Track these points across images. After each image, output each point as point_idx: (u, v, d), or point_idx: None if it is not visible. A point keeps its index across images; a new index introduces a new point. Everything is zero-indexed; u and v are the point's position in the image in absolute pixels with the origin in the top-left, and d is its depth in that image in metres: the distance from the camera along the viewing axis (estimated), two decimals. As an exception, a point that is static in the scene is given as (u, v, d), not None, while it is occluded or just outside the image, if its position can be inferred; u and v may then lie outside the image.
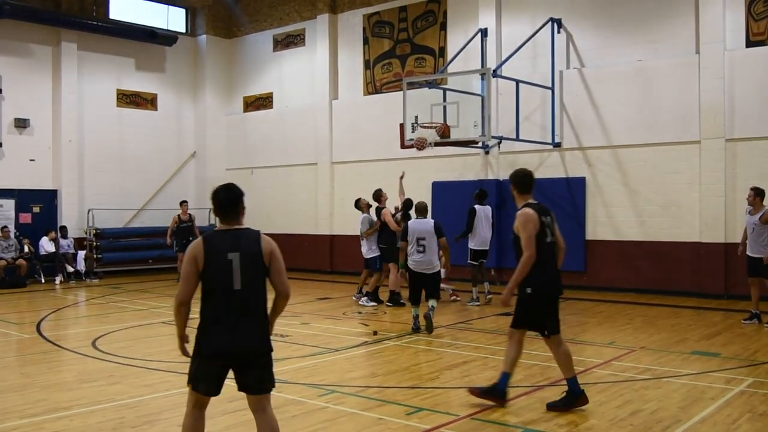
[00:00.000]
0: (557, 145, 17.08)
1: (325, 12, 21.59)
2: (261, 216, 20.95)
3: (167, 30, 23.53)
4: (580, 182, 16.82)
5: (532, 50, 17.33)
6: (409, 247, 11.22)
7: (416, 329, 11.20)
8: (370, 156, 20.45)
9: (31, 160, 20.58)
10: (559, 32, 17.19)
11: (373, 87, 20.85)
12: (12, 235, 19.14)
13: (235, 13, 24.11)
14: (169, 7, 23.95)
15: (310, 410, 6.84)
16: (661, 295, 15.30)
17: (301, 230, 21.87)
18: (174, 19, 24.17)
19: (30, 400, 7.31)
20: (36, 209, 20.68)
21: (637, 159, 16.13)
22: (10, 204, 19.99)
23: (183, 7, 24.31)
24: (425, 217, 11.50)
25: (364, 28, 21.02)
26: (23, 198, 20.36)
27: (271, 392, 4.92)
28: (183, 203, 19.50)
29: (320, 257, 21.41)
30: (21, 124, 20.23)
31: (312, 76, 22.18)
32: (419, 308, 11.23)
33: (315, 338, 10.85)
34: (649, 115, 15.99)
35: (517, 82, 16.22)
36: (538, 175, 17.05)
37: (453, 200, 17.84)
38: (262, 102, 23.76)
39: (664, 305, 14.20)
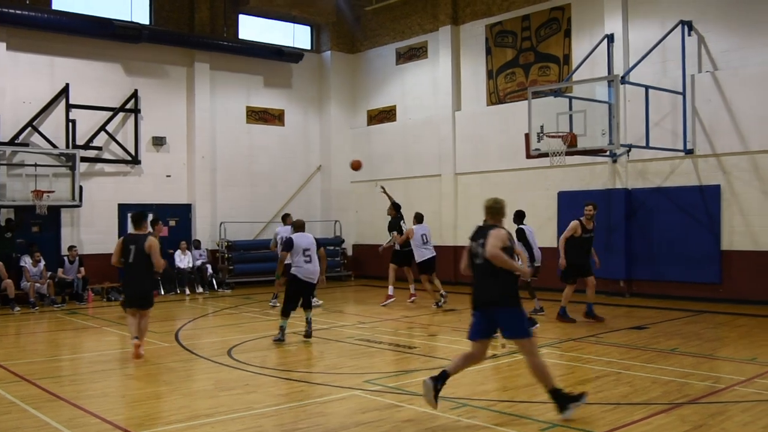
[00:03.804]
0: (689, 152, 16.46)
1: (447, 24, 21.65)
2: (384, 227, 20.97)
3: (293, 47, 24.20)
4: (715, 190, 16.12)
5: (662, 55, 16.81)
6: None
7: None
8: (494, 167, 20.35)
9: (167, 176, 21.60)
10: (690, 35, 16.58)
11: (496, 97, 20.74)
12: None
13: (355, 27, 24.55)
14: (295, 25, 24.63)
15: (442, 423, 6.84)
16: (806, 309, 14.51)
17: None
18: (300, 37, 24.85)
19: (174, 407, 7.63)
20: (172, 223, 21.65)
21: (778, 165, 15.35)
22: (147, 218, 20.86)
23: (308, 25, 24.95)
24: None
25: (486, 39, 20.95)
26: (160, 212, 21.29)
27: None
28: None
29: (444, 268, 21.33)
30: (158, 142, 21.27)
31: (435, 88, 22.28)
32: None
33: (443, 350, 10.85)
34: (791, 118, 15.21)
35: (647, 87, 15.78)
36: (669, 183, 16.73)
37: (579, 210, 17.46)
38: (386, 115, 24.04)
39: (811, 319, 13.45)
